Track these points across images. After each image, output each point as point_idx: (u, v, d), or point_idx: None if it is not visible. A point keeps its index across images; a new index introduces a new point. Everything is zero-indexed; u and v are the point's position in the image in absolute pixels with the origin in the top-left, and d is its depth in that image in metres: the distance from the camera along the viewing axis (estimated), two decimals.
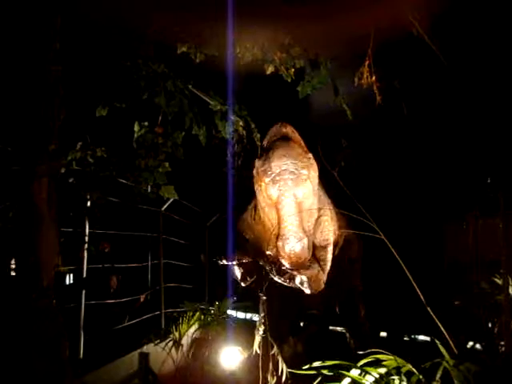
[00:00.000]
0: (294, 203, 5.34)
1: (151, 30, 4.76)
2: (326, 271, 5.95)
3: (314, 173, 5.62)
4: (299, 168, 5.43)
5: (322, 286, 5.83)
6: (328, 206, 6.40)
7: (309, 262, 5.63)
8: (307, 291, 5.63)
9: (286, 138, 5.75)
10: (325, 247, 6.17)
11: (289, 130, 5.88)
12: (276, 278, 6.17)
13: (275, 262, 5.99)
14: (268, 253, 5.89)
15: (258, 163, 5.69)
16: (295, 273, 5.72)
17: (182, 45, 4.79)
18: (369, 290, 7.70)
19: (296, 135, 5.89)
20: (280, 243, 5.31)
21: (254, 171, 5.79)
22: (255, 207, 6.32)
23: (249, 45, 4.78)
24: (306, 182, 5.45)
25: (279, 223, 5.37)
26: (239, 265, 6.46)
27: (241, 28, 4.51)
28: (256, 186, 5.82)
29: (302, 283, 5.63)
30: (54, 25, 3.82)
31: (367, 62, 4.80)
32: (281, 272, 6.06)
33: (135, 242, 7.64)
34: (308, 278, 5.62)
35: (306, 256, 5.46)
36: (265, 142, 5.92)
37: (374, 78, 4.84)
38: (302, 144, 5.85)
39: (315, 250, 6.03)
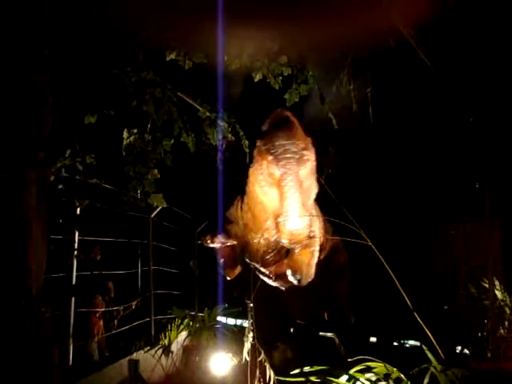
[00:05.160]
0: (296, 181, 5.39)
1: (140, 37, 4.78)
2: (315, 261, 6.03)
3: (312, 156, 5.66)
4: (301, 149, 5.48)
5: (312, 275, 5.91)
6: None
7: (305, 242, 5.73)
8: (295, 282, 5.72)
9: (287, 121, 5.77)
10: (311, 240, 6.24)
11: (289, 114, 5.91)
12: (261, 276, 6.23)
13: (261, 257, 6.10)
14: (256, 240, 5.99)
15: (260, 142, 5.69)
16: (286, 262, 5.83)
17: (171, 52, 4.81)
18: (358, 296, 7.72)
19: (295, 119, 5.92)
20: (282, 220, 5.36)
21: (255, 151, 5.80)
22: (242, 198, 6.36)
23: (237, 52, 4.80)
24: (307, 163, 5.50)
25: (281, 201, 5.40)
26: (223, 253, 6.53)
27: (229, 36, 4.53)
28: (256, 166, 5.82)
29: (291, 274, 5.71)
30: (43, 32, 3.82)
31: (346, 71, 4.85)
32: (266, 265, 6.14)
33: (125, 248, 7.63)
34: (299, 266, 5.72)
35: (306, 233, 5.52)
36: (266, 125, 5.93)
37: (351, 86, 4.89)
38: (301, 128, 5.89)
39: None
